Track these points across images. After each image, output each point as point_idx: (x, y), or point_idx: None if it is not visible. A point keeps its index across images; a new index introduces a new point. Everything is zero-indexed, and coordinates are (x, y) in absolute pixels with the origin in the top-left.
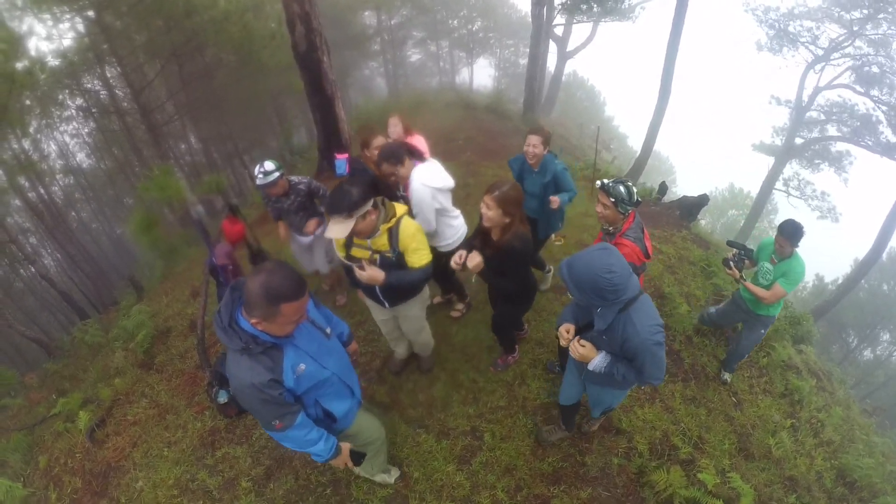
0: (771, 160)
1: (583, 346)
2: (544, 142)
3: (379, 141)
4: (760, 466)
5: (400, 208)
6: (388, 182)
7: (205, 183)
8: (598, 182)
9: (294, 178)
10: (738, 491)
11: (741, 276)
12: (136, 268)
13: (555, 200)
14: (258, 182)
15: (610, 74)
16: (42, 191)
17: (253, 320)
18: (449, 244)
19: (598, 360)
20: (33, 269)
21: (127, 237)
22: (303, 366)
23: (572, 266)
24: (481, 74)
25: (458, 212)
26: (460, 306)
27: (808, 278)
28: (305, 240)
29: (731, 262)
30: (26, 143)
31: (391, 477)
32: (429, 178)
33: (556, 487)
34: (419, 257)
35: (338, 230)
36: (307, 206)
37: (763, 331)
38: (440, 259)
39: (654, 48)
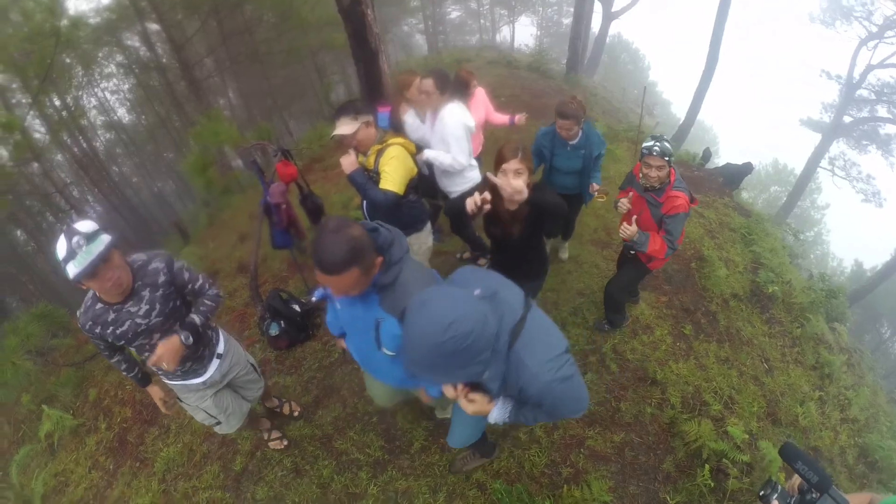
0: (818, 137)
1: (472, 400)
2: (576, 122)
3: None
4: (787, 433)
5: (399, 139)
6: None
7: (256, 130)
8: (646, 148)
9: (139, 257)
10: (764, 453)
11: None
12: (179, 217)
13: (594, 188)
14: (73, 271)
15: (656, 38)
16: (85, 145)
17: None
18: (457, 191)
19: (496, 413)
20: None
21: (167, 191)
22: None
23: (405, 349)
24: (523, 33)
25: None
26: (483, 262)
27: (846, 263)
28: (197, 380)
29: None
30: (69, 100)
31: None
32: (467, 117)
33: (591, 430)
34: (384, 180)
35: (344, 128)
36: (173, 313)
37: None
38: (453, 206)
39: (702, 13)
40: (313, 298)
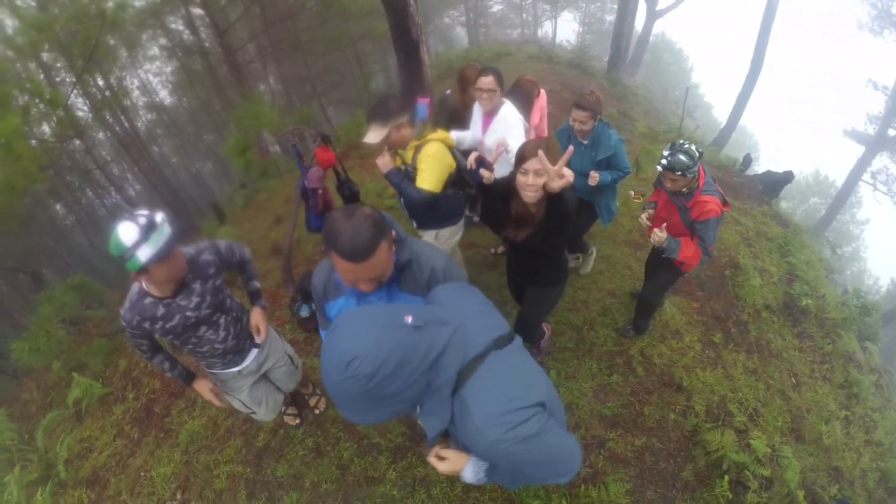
0: (861, 149)
1: (442, 458)
2: (592, 116)
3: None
4: (809, 451)
5: (438, 135)
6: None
7: (296, 114)
8: (659, 165)
9: (188, 251)
10: (785, 466)
11: None
12: (216, 198)
13: (594, 176)
14: (147, 253)
15: (700, 40)
16: (126, 124)
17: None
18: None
19: (469, 472)
20: (116, 198)
21: (205, 172)
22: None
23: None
24: (565, 29)
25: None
26: None
27: (883, 282)
28: (234, 369)
29: None
30: (112, 80)
31: None
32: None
33: (613, 431)
34: (421, 179)
35: (373, 136)
36: (220, 305)
37: None
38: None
39: (748, 16)
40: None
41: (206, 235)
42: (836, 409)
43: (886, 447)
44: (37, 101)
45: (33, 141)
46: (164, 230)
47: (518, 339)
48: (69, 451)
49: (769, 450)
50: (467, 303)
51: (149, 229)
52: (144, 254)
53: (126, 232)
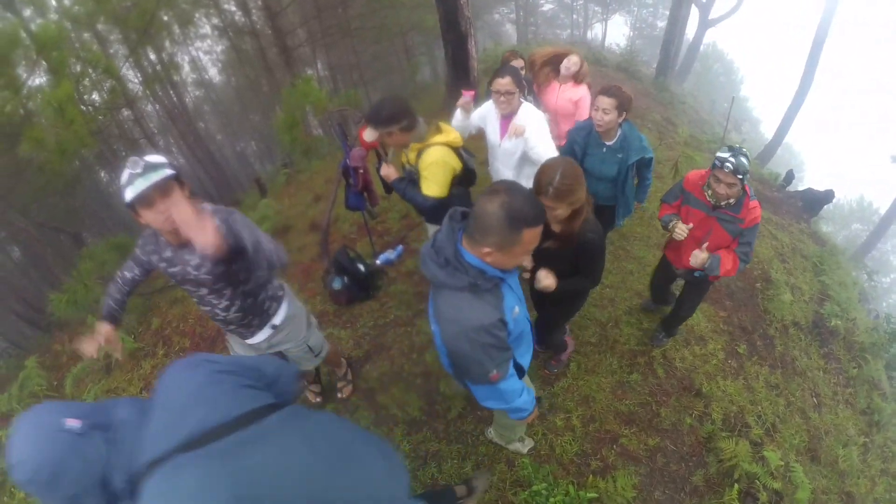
0: None
1: None
2: (619, 107)
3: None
4: (823, 473)
5: (443, 137)
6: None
7: (343, 95)
8: (718, 160)
9: (207, 207)
10: (797, 484)
11: None
12: (259, 174)
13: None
14: (129, 195)
15: (752, 52)
16: (175, 99)
17: (485, 249)
18: None
19: None
20: None
21: (248, 151)
22: (517, 308)
23: None
24: (615, 33)
25: None
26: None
27: None
28: (242, 340)
29: None
30: (164, 55)
31: (525, 447)
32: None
33: (628, 428)
34: (426, 186)
35: (369, 134)
36: (223, 276)
37: None
38: None
39: (802, 32)
40: (378, 262)
41: (248, 208)
42: (856, 434)
43: None
44: (90, 69)
45: (84, 107)
46: (151, 177)
47: (271, 420)
48: (96, 400)
49: (783, 464)
50: (179, 386)
51: (135, 172)
52: (128, 195)
53: (123, 172)
